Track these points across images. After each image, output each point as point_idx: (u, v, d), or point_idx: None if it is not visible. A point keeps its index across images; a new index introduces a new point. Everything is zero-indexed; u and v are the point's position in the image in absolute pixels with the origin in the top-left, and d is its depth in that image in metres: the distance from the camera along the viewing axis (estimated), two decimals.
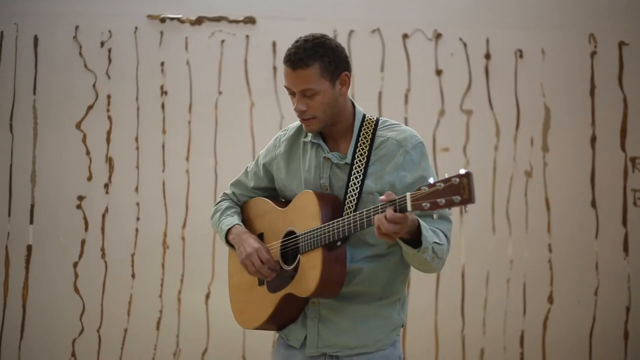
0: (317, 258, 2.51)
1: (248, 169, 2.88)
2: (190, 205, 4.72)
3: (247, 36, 4.80)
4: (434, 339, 4.74)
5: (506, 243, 4.80)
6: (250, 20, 4.80)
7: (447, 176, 2.23)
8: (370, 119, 2.65)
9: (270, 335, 4.64)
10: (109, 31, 4.74)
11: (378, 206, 2.36)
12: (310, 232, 2.54)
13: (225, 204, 2.88)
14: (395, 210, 2.30)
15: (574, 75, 4.88)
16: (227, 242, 2.78)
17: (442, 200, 2.22)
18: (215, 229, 2.86)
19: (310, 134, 2.68)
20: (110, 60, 4.74)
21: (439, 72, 4.85)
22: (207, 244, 4.69)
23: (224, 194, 2.93)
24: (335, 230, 2.47)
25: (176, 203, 4.72)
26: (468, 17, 4.87)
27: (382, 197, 2.33)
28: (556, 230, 4.82)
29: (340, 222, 2.47)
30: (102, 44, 4.74)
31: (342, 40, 4.70)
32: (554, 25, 4.87)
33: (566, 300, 4.79)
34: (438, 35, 4.85)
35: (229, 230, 2.76)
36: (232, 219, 2.79)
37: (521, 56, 4.87)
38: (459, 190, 2.19)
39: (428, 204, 2.24)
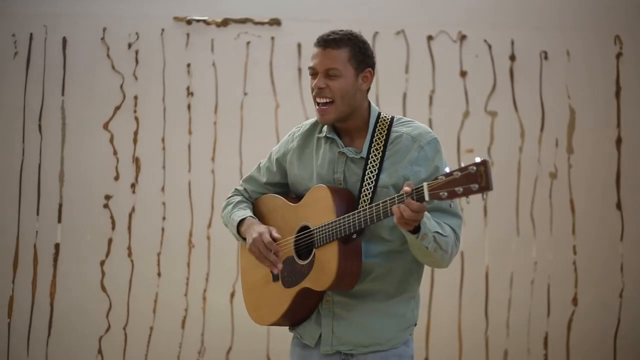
0: (334, 251, 2.52)
1: (261, 165, 2.88)
2: (215, 205, 4.76)
3: (273, 38, 4.83)
4: (458, 339, 4.75)
5: (530, 244, 4.80)
6: (275, 22, 4.84)
7: (463, 165, 2.24)
8: (385, 117, 2.67)
9: None
10: (136, 33, 4.80)
11: (395, 197, 2.37)
12: (325, 225, 2.55)
13: (236, 198, 2.88)
14: (412, 199, 2.32)
15: (599, 76, 4.87)
16: (239, 234, 2.77)
17: (459, 189, 2.22)
18: (226, 222, 2.85)
19: (325, 129, 2.70)
20: (137, 61, 4.80)
21: (463, 74, 4.86)
22: (232, 243, 4.70)
23: (235, 189, 2.93)
24: (352, 223, 2.48)
25: (202, 203, 4.76)
26: (492, 18, 4.87)
27: (406, 189, 2.33)
28: (581, 232, 4.81)
29: (357, 214, 2.47)
30: (130, 45, 4.80)
31: None
32: (578, 27, 4.86)
33: (591, 303, 4.78)
34: (463, 37, 4.86)
35: (241, 222, 2.76)
36: (245, 212, 2.79)
37: (546, 57, 4.87)
38: (477, 178, 2.19)
39: (446, 193, 2.24)
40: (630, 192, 4.82)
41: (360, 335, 2.61)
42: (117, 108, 4.78)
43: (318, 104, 2.62)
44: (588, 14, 4.87)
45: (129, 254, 4.73)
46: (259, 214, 2.83)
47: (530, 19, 4.87)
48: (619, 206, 4.82)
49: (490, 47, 4.86)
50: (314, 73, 2.62)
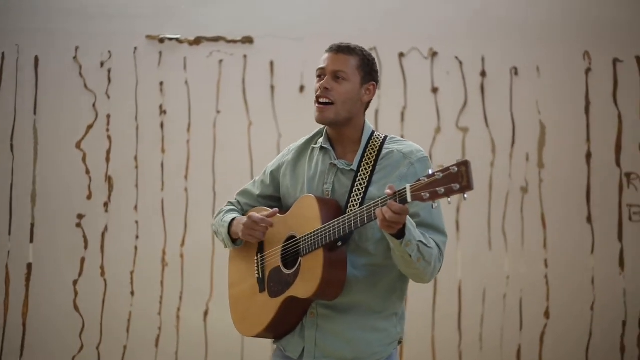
0: (319, 259, 2.54)
1: (256, 180, 2.93)
2: (189, 223, 4.76)
3: (245, 56, 4.86)
4: (431, 354, 4.77)
5: (503, 259, 4.83)
6: (248, 40, 4.86)
7: (444, 166, 2.26)
8: (378, 135, 2.71)
9: (269, 351, 4.67)
10: (109, 51, 4.81)
11: (378, 200, 2.38)
12: (310, 234, 2.57)
13: (227, 208, 2.92)
14: (395, 201, 2.33)
15: (569, 92, 4.93)
16: (230, 236, 2.81)
17: (441, 189, 2.23)
18: (217, 229, 2.89)
19: (320, 141, 2.73)
20: (110, 80, 4.80)
21: (435, 90, 4.90)
22: (206, 261, 4.73)
23: (229, 202, 2.97)
24: (337, 228, 2.50)
25: (175, 221, 4.76)
26: (463, 35, 4.92)
27: (388, 191, 2.35)
28: (552, 245, 4.85)
29: (342, 220, 2.49)
30: (102, 64, 4.80)
31: None
32: (548, 43, 4.92)
33: (563, 315, 4.81)
34: (434, 54, 4.90)
35: (230, 224, 2.80)
36: (233, 215, 2.83)
37: (516, 73, 4.92)
38: (458, 178, 2.21)
39: (427, 194, 2.26)
40: (600, 205, 4.87)
41: (343, 348, 2.62)
42: (90, 127, 4.78)
43: (319, 103, 2.66)
44: (557, 31, 4.93)
45: (102, 273, 4.72)
46: None
47: (501, 36, 4.92)
48: (589, 220, 4.87)
49: (461, 63, 4.91)
50: (320, 74, 2.67)
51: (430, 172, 2.28)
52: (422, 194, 2.27)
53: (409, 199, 2.30)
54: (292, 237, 2.67)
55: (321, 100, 2.65)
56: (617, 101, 4.92)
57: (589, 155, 4.90)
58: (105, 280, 4.71)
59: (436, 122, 4.89)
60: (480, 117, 4.90)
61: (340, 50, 2.66)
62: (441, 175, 2.24)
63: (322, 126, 2.76)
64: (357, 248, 2.60)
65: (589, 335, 4.82)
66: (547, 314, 4.83)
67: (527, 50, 4.92)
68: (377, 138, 2.70)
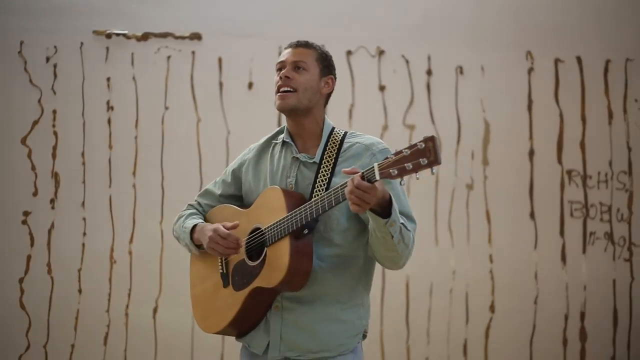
0: (285, 247, 2.56)
1: (217, 180, 2.94)
2: (137, 220, 4.73)
3: (193, 52, 4.84)
4: (380, 349, 4.82)
5: (449, 254, 4.92)
6: (196, 37, 4.85)
7: (411, 143, 2.29)
8: (338, 131, 2.78)
9: (219, 348, 4.68)
10: (55, 46, 4.74)
11: (345, 182, 2.40)
12: (276, 222, 2.59)
13: (188, 212, 2.93)
14: (363, 179, 2.34)
15: (512, 91, 5.04)
16: (193, 241, 2.81)
17: (409, 165, 2.25)
18: (178, 234, 2.89)
19: (281, 137, 2.77)
20: (55, 75, 4.74)
21: (382, 88, 4.96)
22: (155, 258, 4.70)
23: (189, 205, 2.97)
24: (303, 214, 2.52)
25: (123, 218, 4.72)
26: (410, 34, 4.98)
27: (346, 170, 2.39)
28: (497, 241, 4.95)
29: (308, 205, 2.52)
30: (48, 59, 4.74)
31: None
32: (492, 43, 5.02)
33: (507, 309, 4.92)
34: (381, 52, 4.96)
35: (193, 229, 2.80)
36: (195, 220, 2.84)
37: (461, 72, 5.01)
38: (425, 153, 2.23)
39: (396, 171, 2.27)
40: (543, 202, 5.00)
41: (308, 340, 2.64)
42: (35, 122, 4.71)
43: (280, 91, 2.72)
44: (501, 31, 5.04)
45: (49, 271, 4.65)
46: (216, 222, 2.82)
47: (446, 36, 5.00)
48: (532, 215, 4.99)
49: (407, 62, 4.98)
50: (280, 67, 2.76)
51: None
52: (390, 170, 2.28)
53: (377, 177, 2.32)
54: (257, 229, 2.68)
55: (282, 89, 2.71)
56: (558, 100, 5.04)
57: (531, 153, 5.02)
58: (52, 278, 4.65)
59: (383, 119, 4.95)
60: (426, 115, 4.98)
61: (300, 44, 2.79)
62: (408, 152, 2.26)
63: (274, 125, 2.80)
64: (322, 238, 2.62)
65: (532, 328, 4.93)
66: (492, 308, 4.93)
67: (472, 49, 5.01)
68: (338, 133, 2.76)
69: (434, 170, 2.25)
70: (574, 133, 5.03)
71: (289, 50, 2.79)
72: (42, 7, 4.74)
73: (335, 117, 4.86)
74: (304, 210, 2.53)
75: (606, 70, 5.06)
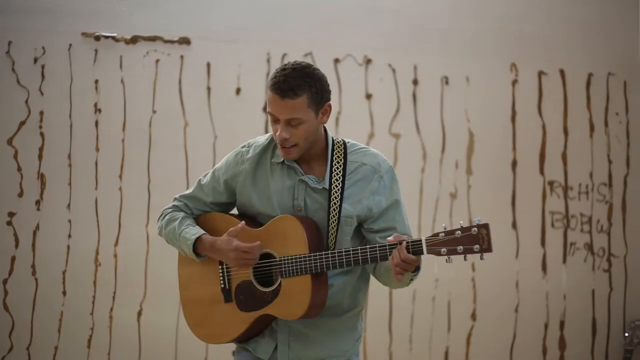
0: (306, 284, 2.57)
1: (203, 183, 2.84)
2: (122, 223, 4.72)
3: (182, 56, 4.85)
4: (362, 354, 4.86)
5: (432, 262, 4.95)
6: (185, 41, 4.86)
7: (462, 224, 2.34)
8: (338, 142, 2.72)
9: (203, 351, 4.68)
10: (43, 47, 4.73)
11: (384, 245, 2.44)
12: (296, 258, 2.59)
13: (179, 214, 2.83)
14: (408, 252, 2.40)
15: (496, 102, 5.11)
16: (194, 251, 2.75)
17: (460, 248, 2.34)
18: (171, 238, 2.80)
19: (278, 154, 2.70)
20: (43, 76, 4.72)
21: (368, 97, 5.00)
22: (140, 261, 4.70)
23: (174, 205, 2.87)
24: (332, 261, 2.54)
25: (108, 221, 4.72)
26: (397, 44, 5.03)
27: (390, 239, 2.42)
28: None
29: (338, 253, 2.53)
30: (36, 60, 4.72)
31: (275, 64, 4.80)
32: (477, 54, 5.09)
33: (488, 317, 4.98)
34: (368, 61, 5.00)
35: (198, 239, 2.73)
36: (196, 230, 2.76)
37: (447, 83, 5.07)
38: (479, 240, 2.32)
39: (446, 250, 2.36)
40: (525, 212, 5.07)
41: (317, 349, 2.69)
42: (22, 123, 4.69)
43: (282, 146, 2.63)
44: (486, 43, 5.10)
45: (33, 272, 4.63)
46: (208, 232, 2.77)
47: (433, 46, 5.05)
48: (514, 225, 5.05)
49: (394, 71, 5.03)
50: (274, 120, 2.60)
51: (444, 226, 2.37)
52: (441, 249, 2.36)
53: (425, 252, 2.38)
54: (269, 254, 2.66)
55: (285, 145, 2.62)
56: (541, 112, 5.12)
57: (514, 164, 5.09)
58: (36, 280, 4.63)
59: (369, 127, 4.99)
60: (412, 124, 5.03)
61: (285, 94, 2.54)
62: (461, 234, 2.33)
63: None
64: None
65: (513, 336, 5.00)
66: (473, 316, 4.99)
67: (458, 61, 5.07)
68: (339, 146, 2.71)
69: (482, 257, 2.32)
70: (556, 145, 5.11)
71: (276, 99, 2.56)
72: (30, 8, 4.73)
73: None
74: (333, 258, 2.54)
75: (588, 84, 5.15)
